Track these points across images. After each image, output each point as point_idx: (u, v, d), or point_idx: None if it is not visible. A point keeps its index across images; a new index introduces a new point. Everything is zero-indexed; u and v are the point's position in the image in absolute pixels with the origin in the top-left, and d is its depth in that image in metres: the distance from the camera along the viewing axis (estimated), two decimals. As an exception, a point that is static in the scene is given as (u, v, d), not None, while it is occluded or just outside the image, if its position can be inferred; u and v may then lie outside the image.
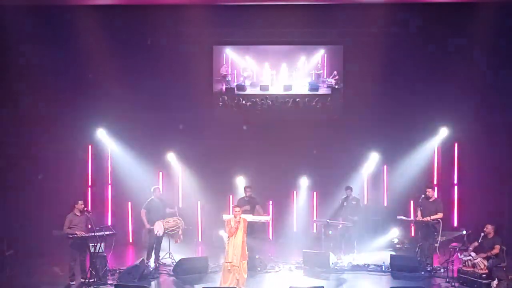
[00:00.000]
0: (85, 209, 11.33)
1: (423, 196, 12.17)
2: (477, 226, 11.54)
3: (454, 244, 11.63)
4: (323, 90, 15.29)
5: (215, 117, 15.47)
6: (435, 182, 14.71)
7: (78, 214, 11.15)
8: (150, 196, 12.63)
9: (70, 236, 10.99)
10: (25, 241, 13.29)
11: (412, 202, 13.55)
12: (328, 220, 12.92)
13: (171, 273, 11.83)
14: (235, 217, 10.37)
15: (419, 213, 12.16)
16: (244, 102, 15.44)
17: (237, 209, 10.48)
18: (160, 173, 15.00)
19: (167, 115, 15.17)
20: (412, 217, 12.72)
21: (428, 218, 11.88)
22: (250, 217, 11.89)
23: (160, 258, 12.50)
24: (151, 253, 12.41)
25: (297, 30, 14.79)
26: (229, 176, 14.83)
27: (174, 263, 12.11)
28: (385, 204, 15.04)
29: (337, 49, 15.26)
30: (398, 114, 14.85)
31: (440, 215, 11.95)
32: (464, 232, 11.96)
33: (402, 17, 14.16)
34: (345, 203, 13.21)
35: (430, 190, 12.17)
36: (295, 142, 15.08)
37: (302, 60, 15.31)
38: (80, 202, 11.23)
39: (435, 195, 13.93)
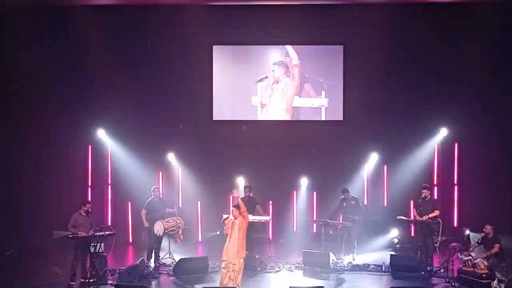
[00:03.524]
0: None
1: (422, 196, 12.15)
2: (477, 226, 11.54)
3: (454, 244, 11.62)
4: (323, 90, 15.28)
5: (215, 117, 15.46)
6: (435, 182, 14.73)
7: (84, 214, 11.15)
8: (150, 196, 12.64)
9: (71, 236, 10.99)
10: (25, 241, 13.30)
11: (412, 202, 13.54)
12: (328, 220, 12.93)
13: (171, 273, 11.83)
14: (235, 218, 10.33)
15: (415, 213, 12.17)
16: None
17: (233, 209, 10.44)
18: (160, 173, 15.01)
19: (167, 115, 15.19)
20: (412, 217, 12.72)
21: (426, 217, 11.89)
22: (250, 217, 11.87)
23: (160, 258, 12.50)
24: (151, 253, 12.41)
25: (297, 30, 14.78)
26: (229, 176, 14.83)
27: (174, 263, 12.11)
28: (385, 204, 15.05)
29: (337, 49, 15.27)
30: (398, 114, 14.86)
31: (436, 212, 11.97)
32: (468, 231, 11.95)
33: (402, 17, 14.15)
34: (344, 203, 13.22)
35: (425, 191, 12.16)
36: (295, 142, 15.10)
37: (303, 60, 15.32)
38: (88, 205, 11.23)
39: (435, 195, 14.03)
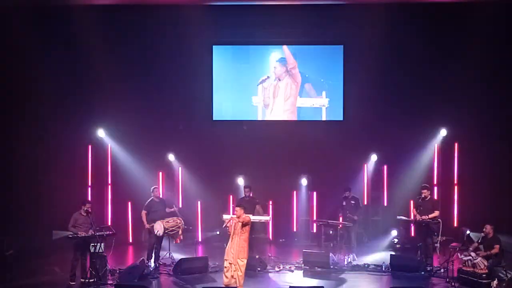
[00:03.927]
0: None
1: (422, 196, 12.15)
2: (477, 226, 11.54)
3: (454, 244, 11.62)
4: (324, 90, 15.27)
5: (215, 117, 15.46)
6: (435, 182, 14.72)
7: (84, 214, 11.16)
8: (150, 196, 12.63)
9: (70, 236, 11.00)
10: (25, 241, 13.30)
11: (412, 202, 13.54)
12: (328, 220, 12.93)
13: (171, 273, 11.82)
14: (238, 217, 10.37)
15: (415, 213, 12.19)
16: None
17: (237, 208, 10.48)
18: (160, 173, 15.00)
19: (167, 115, 15.19)
20: (412, 217, 12.73)
21: (426, 217, 11.89)
22: (250, 217, 11.89)
23: (160, 258, 12.50)
24: (151, 253, 12.41)
25: (297, 30, 14.78)
26: (229, 176, 14.85)
27: (174, 263, 12.11)
28: (385, 204, 15.04)
29: (337, 49, 15.26)
30: (398, 114, 14.86)
31: (436, 213, 11.98)
32: (468, 231, 11.95)
33: (402, 17, 14.15)
34: (344, 203, 13.23)
35: (425, 191, 12.17)
36: (295, 142, 15.10)
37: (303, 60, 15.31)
38: (88, 204, 11.23)
39: (435, 195, 14.02)
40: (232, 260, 10.12)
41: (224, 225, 10.58)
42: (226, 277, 10.19)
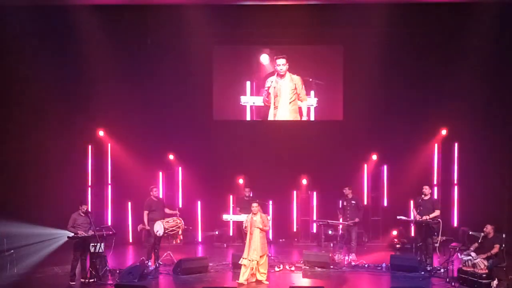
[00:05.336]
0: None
1: (422, 195, 12.16)
2: (477, 226, 11.54)
3: (454, 244, 11.62)
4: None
5: (215, 117, 15.46)
6: (435, 182, 14.71)
7: (83, 214, 11.18)
8: (149, 197, 12.62)
9: (69, 237, 11.00)
10: (25, 241, 13.30)
11: (412, 202, 13.54)
12: (328, 220, 12.92)
13: (171, 273, 11.82)
14: (254, 214, 10.76)
15: (415, 213, 12.20)
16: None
17: (254, 205, 10.72)
18: (160, 173, 15.00)
19: (167, 115, 15.19)
20: (412, 217, 12.73)
21: (427, 217, 11.89)
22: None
23: (160, 258, 12.50)
24: (151, 253, 12.41)
25: (297, 30, 14.77)
26: (229, 176, 14.85)
27: (174, 263, 12.11)
28: (385, 204, 15.04)
29: (337, 49, 15.25)
30: (398, 114, 14.85)
31: (437, 212, 11.99)
32: (470, 232, 11.98)
33: (402, 17, 14.15)
34: (345, 203, 13.21)
35: (426, 187, 12.19)
36: (295, 142, 15.10)
37: (302, 60, 15.29)
38: (84, 206, 11.25)
39: (435, 195, 14.02)
40: (253, 257, 10.64)
41: (244, 226, 10.85)
42: (245, 274, 10.68)
